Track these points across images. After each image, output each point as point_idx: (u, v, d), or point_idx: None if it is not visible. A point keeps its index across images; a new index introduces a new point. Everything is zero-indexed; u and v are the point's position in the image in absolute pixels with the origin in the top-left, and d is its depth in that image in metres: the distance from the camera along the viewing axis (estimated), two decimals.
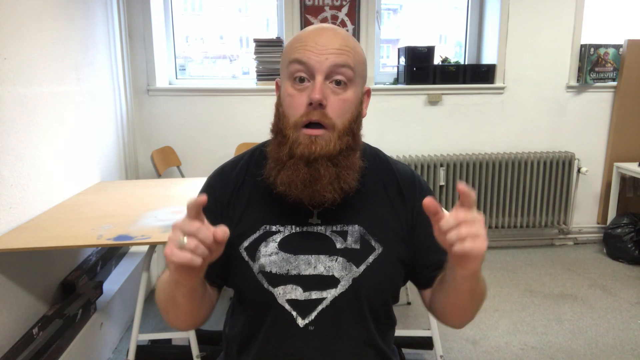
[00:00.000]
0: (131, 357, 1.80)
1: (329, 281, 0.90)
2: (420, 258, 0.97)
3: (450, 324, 0.96)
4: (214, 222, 0.93)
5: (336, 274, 0.90)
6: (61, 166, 2.14)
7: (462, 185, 0.70)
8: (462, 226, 0.69)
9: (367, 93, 0.95)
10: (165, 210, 1.94)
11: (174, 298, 0.83)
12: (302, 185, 0.85)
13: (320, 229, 0.93)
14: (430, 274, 0.96)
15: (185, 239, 0.69)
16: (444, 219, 0.70)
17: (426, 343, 2.11)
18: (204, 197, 0.70)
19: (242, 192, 0.95)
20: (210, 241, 0.70)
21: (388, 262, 0.93)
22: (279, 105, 0.91)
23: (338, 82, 0.86)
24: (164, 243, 1.69)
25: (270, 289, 0.89)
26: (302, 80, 0.86)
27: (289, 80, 0.87)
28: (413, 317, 2.49)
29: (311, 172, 0.84)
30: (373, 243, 0.93)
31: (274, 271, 0.89)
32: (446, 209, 3.24)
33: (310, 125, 0.85)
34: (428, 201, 0.71)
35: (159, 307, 0.91)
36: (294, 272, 0.90)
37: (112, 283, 2.38)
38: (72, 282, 2.06)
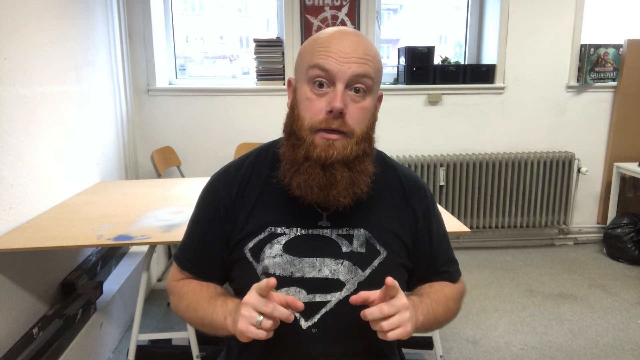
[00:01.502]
0: (131, 357, 1.80)
1: (333, 284, 0.90)
2: (423, 263, 0.99)
3: None
4: (216, 222, 0.94)
5: (341, 278, 0.90)
6: (61, 166, 2.14)
7: (390, 279, 0.78)
8: (385, 320, 0.78)
9: (380, 98, 0.96)
10: (165, 210, 1.94)
11: (213, 330, 0.89)
12: (318, 189, 0.85)
13: (326, 232, 0.93)
14: (426, 280, 1.00)
15: (261, 318, 0.76)
16: (368, 310, 0.79)
17: (426, 343, 2.11)
18: (274, 281, 0.77)
19: (247, 192, 0.95)
20: (285, 316, 0.77)
21: (392, 266, 0.94)
22: (294, 107, 0.89)
23: (357, 90, 0.85)
24: (163, 243, 1.69)
25: (273, 290, 0.89)
26: (321, 85, 0.85)
27: (308, 83, 0.86)
28: None
29: (327, 177, 0.84)
30: (378, 247, 0.93)
31: (277, 273, 0.90)
32: (446, 208, 3.24)
33: (328, 130, 0.85)
34: (354, 300, 0.81)
35: (181, 315, 0.95)
36: (297, 275, 0.90)
37: (112, 283, 2.37)
38: (72, 282, 2.06)
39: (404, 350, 2.15)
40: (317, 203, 0.88)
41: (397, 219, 0.96)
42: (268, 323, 0.77)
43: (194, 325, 0.95)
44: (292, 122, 0.88)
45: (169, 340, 2.12)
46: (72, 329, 1.88)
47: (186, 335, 1.89)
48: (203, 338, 2.04)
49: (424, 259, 0.99)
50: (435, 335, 1.97)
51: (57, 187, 2.10)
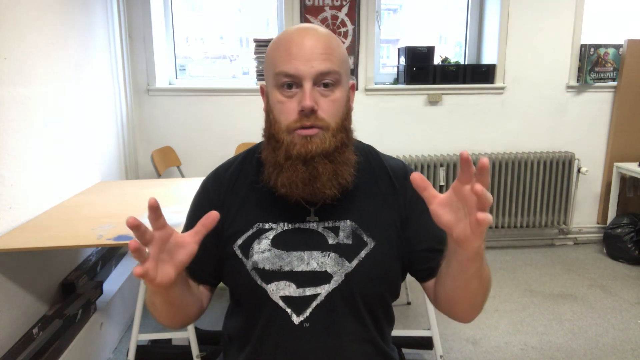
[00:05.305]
0: (131, 357, 1.80)
1: (322, 277, 0.91)
2: (417, 247, 0.96)
3: (458, 316, 0.92)
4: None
5: (329, 270, 0.91)
6: (61, 166, 2.14)
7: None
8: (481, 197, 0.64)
9: (352, 87, 0.97)
10: (165, 210, 1.92)
11: (154, 304, 0.87)
12: (302, 184, 0.86)
13: (313, 225, 0.94)
14: (430, 264, 0.94)
15: (148, 250, 0.74)
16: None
17: (426, 343, 2.11)
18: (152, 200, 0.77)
19: (235, 192, 0.97)
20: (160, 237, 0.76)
21: (381, 257, 0.93)
22: (269, 112, 0.92)
23: (326, 84, 0.88)
24: None
25: (263, 285, 0.90)
26: (289, 86, 0.87)
27: (277, 88, 0.88)
28: (413, 317, 2.49)
29: (310, 171, 0.86)
30: (365, 238, 0.93)
31: (266, 267, 0.91)
32: None
33: (304, 128, 0.87)
34: (416, 176, 0.70)
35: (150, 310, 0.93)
36: (286, 269, 0.91)
37: (112, 283, 2.38)
38: (72, 282, 2.06)
39: (404, 350, 2.15)
40: (304, 198, 0.90)
41: (385, 209, 0.96)
42: (151, 250, 0.74)
43: (151, 311, 0.91)
44: (269, 126, 0.91)
45: (169, 340, 2.12)
46: (72, 329, 1.88)
47: (186, 335, 1.89)
48: (203, 338, 2.04)
49: (419, 241, 0.96)
50: (435, 335, 1.97)
51: (57, 187, 2.10)
